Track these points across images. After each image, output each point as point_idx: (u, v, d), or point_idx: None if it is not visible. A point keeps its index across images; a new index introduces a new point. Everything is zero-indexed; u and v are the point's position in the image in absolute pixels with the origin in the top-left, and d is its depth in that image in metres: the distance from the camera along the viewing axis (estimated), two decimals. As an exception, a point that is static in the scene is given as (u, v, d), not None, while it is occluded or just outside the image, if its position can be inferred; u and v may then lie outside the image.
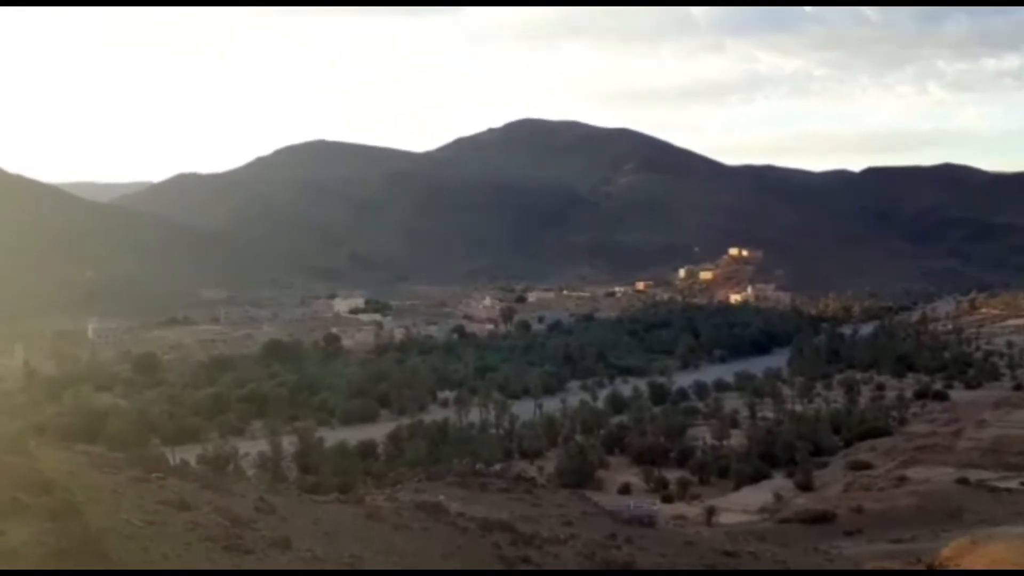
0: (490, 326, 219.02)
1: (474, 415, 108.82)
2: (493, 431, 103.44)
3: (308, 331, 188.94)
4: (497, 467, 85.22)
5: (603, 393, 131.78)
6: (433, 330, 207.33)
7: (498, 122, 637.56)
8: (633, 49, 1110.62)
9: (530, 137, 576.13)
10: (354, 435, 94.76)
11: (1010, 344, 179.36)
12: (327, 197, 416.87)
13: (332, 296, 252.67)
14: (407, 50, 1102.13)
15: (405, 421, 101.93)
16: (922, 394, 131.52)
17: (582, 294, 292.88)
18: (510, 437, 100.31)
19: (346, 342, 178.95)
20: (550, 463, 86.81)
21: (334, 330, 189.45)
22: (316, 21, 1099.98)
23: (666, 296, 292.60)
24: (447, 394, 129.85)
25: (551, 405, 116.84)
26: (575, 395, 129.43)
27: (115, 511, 11.80)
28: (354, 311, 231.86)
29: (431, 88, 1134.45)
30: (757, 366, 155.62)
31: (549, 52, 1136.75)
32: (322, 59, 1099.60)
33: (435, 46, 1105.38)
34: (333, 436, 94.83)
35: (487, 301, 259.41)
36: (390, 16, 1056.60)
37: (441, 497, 26.75)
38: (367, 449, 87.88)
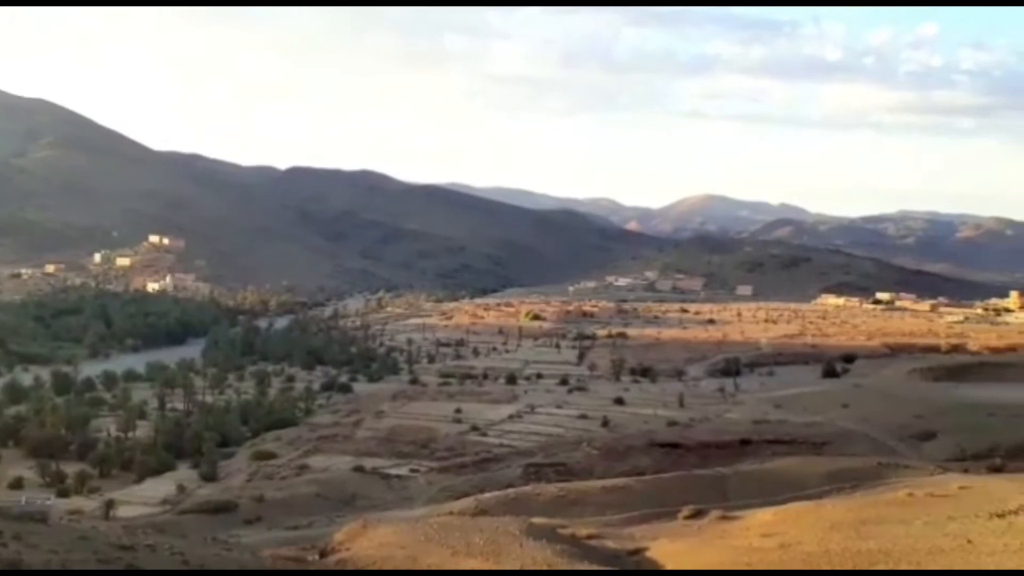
0: None
1: None
2: None
3: None
4: None
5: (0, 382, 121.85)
6: None
7: None
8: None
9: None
10: None
11: (410, 341, 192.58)
12: None
13: None
14: None
15: None
16: (329, 386, 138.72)
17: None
18: None
19: None
20: (-71, 459, 78.65)
21: None
22: None
23: (79, 281, 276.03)
24: None
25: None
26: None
27: None
28: None
29: None
30: (171, 356, 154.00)
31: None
32: None
33: None
34: None
35: None
36: None
37: None
38: None
